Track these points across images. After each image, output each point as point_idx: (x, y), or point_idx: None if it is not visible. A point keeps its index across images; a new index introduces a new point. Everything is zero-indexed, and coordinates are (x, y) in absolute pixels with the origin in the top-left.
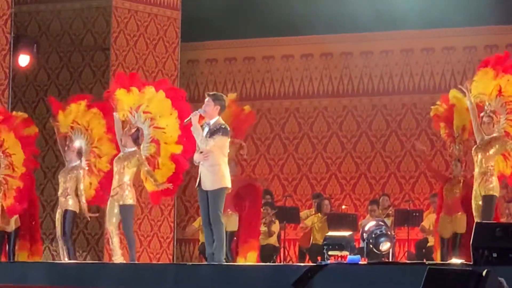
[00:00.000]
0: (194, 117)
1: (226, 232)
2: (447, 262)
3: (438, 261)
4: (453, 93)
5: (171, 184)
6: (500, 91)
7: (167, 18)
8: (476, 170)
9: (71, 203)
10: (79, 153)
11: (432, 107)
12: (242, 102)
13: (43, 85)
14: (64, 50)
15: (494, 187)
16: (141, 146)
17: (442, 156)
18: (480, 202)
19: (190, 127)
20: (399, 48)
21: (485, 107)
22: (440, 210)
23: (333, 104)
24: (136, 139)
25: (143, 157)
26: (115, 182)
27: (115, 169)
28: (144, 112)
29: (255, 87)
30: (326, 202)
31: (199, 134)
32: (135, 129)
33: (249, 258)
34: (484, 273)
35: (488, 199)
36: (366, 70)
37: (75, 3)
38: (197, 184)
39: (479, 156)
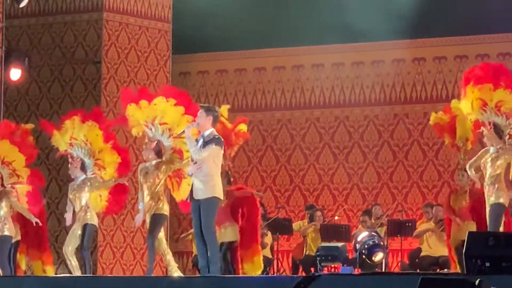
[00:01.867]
0: (187, 129)
1: (224, 242)
2: (440, 271)
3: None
4: (455, 104)
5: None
6: (485, 104)
7: (158, 31)
8: (486, 180)
9: (90, 217)
10: (83, 168)
11: (433, 113)
12: (234, 113)
13: (34, 99)
14: (56, 63)
15: (502, 196)
16: (163, 158)
17: (434, 165)
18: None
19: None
20: (390, 58)
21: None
22: (449, 222)
23: (325, 115)
24: (159, 152)
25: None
26: (147, 197)
27: (143, 184)
28: (160, 124)
29: (247, 99)
30: (319, 213)
31: (193, 145)
32: (155, 142)
33: (255, 263)
34: (477, 282)
35: (495, 207)
36: (357, 80)
37: (66, 16)
38: (189, 196)
39: (488, 166)
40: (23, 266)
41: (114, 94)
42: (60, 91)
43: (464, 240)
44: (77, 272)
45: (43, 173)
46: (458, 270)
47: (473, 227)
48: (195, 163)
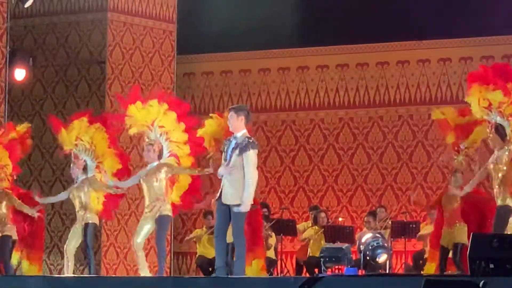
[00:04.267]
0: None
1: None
2: (445, 273)
3: (433, 273)
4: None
5: (209, 169)
6: (490, 104)
7: (163, 31)
8: (495, 185)
9: (90, 216)
10: (85, 169)
11: (436, 110)
12: None
13: (39, 99)
14: (60, 63)
15: (509, 197)
16: (162, 160)
17: (439, 167)
18: None
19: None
20: (395, 60)
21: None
22: (439, 223)
23: (329, 116)
24: (160, 154)
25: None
26: (147, 199)
27: (144, 187)
28: (159, 127)
29: (251, 100)
30: (323, 214)
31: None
32: (157, 143)
33: (254, 266)
34: (481, 284)
35: (501, 210)
36: (362, 82)
37: (70, 17)
38: (217, 197)
39: (494, 170)
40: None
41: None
42: (64, 91)
43: (455, 243)
44: (69, 273)
45: (47, 172)
46: (432, 269)
47: (464, 229)
48: (227, 164)
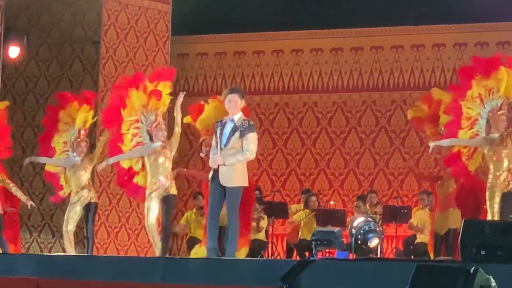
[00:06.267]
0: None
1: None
2: (436, 259)
3: (432, 258)
4: (436, 91)
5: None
6: (490, 90)
7: (158, 12)
8: (493, 168)
9: (93, 195)
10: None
11: (409, 110)
12: None
13: (32, 77)
14: (54, 42)
15: None
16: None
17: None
18: (498, 202)
19: None
20: (390, 44)
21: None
22: (436, 208)
23: (322, 99)
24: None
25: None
26: (150, 177)
27: (147, 164)
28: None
29: (245, 82)
30: (313, 198)
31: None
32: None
33: (241, 254)
34: (472, 270)
35: (507, 196)
36: (356, 66)
37: None
38: (210, 178)
39: (496, 154)
40: None
41: (112, 74)
42: (58, 70)
43: (450, 228)
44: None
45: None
46: (431, 257)
47: (458, 214)
48: (224, 146)
